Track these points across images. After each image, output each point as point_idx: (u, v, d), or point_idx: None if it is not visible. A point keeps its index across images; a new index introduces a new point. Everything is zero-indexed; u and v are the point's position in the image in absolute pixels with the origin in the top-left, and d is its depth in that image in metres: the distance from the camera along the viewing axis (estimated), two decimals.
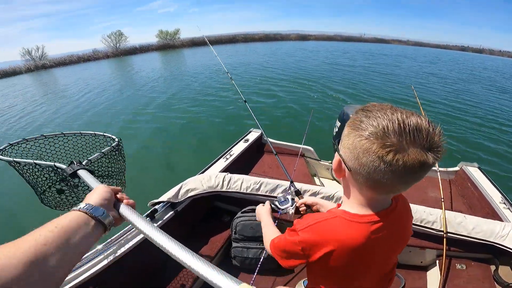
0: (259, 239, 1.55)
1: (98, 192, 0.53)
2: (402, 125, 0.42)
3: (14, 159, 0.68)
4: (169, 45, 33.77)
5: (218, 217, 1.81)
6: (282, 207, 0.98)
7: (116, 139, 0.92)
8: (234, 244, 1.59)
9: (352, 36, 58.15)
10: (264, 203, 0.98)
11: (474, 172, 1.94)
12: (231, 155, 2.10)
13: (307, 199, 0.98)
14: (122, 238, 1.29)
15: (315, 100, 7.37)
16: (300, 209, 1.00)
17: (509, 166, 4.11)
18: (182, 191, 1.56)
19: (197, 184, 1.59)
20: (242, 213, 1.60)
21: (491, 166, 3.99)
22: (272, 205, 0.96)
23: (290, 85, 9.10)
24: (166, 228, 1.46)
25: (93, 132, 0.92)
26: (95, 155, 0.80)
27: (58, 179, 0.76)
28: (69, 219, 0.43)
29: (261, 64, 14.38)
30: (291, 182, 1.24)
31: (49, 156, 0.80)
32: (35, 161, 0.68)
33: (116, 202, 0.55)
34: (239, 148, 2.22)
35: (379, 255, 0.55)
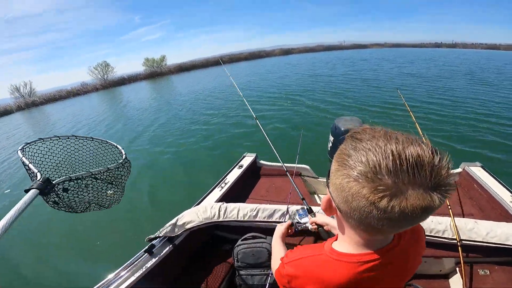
0: (262, 265, 1.57)
1: None
2: (398, 161, 0.34)
3: (23, 158, 0.75)
4: (156, 73, 34.19)
5: (219, 246, 1.82)
6: (301, 221, 1.03)
7: (124, 156, 0.95)
8: (238, 272, 1.61)
9: (332, 45, 60.19)
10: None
11: (478, 171, 1.89)
12: (226, 183, 2.11)
13: (317, 218, 0.96)
14: (132, 265, 1.32)
15: (303, 116, 7.41)
16: (312, 227, 1.00)
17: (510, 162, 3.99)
18: (178, 225, 1.57)
19: (193, 216, 1.61)
20: (242, 240, 1.62)
21: (492, 164, 3.86)
22: (294, 220, 1.02)
23: (275, 103, 9.12)
24: (166, 262, 1.48)
25: (104, 140, 0.98)
26: (82, 173, 0.80)
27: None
28: None
29: (246, 85, 14.47)
30: (306, 204, 1.22)
31: (59, 156, 0.85)
32: (29, 164, 0.74)
33: None
34: (234, 175, 2.22)
35: None
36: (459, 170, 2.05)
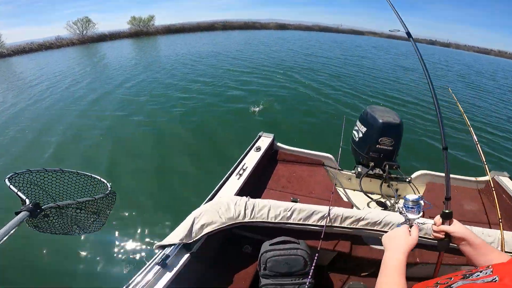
0: (294, 274, 1.32)
1: None
2: None
3: (11, 186, 0.78)
4: (142, 32, 31.52)
5: (238, 247, 1.54)
6: (410, 216, 0.72)
7: (109, 188, 0.98)
8: (263, 281, 1.34)
9: (329, 26, 58.49)
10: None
11: (507, 182, 1.89)
12: (244, 170, 1.76)
13: (455, 228, 0.69)
14: (144, 282, 1.04)
15: (317, 100, 6.86)
16: (436, 235, 0.74)
17: None
18: (195, 228, 1.26)
19: (214, 216, 1.30)
20: (271, 245, 1.34)
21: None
22: (414, 221, 0.73)
23: (278, 79, 8.67)
24: (183, 274, 1.17)
25: (89, 174, 0.97)
26: (69, 201, 0.84)
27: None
28: None
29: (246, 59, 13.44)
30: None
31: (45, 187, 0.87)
32: (18, 192, 0.77)
33: None
34: (252, 160, 1.87)
35: None
36: (487, 178, 1.97)
